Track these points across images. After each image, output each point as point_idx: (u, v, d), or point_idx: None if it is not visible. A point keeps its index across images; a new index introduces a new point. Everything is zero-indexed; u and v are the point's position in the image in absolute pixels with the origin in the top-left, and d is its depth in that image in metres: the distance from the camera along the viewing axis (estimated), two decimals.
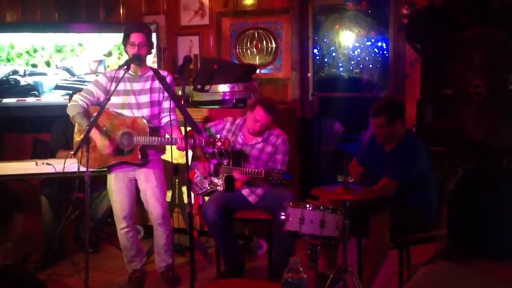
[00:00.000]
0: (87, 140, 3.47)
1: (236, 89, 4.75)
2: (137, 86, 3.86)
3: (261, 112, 4.01)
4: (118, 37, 5.22)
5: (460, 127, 4.38)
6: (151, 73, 3.89)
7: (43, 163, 4.22)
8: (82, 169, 3.59)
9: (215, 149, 3.92)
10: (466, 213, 1.42)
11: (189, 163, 3.63)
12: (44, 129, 4.82)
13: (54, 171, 4.12)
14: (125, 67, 3.72)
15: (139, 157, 3.81)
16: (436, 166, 3.80)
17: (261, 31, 5.70)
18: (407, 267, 3.67)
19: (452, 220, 1.46)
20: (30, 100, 5.22)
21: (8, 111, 5.20)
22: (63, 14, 5.74)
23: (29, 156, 4.75)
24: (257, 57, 5.74)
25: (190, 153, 3.82)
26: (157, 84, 3.87)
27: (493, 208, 1.39)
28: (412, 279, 1.46)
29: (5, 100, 5.17)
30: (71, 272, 4.08)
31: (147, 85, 3.87)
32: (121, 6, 6.11)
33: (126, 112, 3.86)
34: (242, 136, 4.15)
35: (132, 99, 3.85)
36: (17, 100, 5.22)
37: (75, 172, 3.74)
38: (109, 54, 5.30)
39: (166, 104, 3.89)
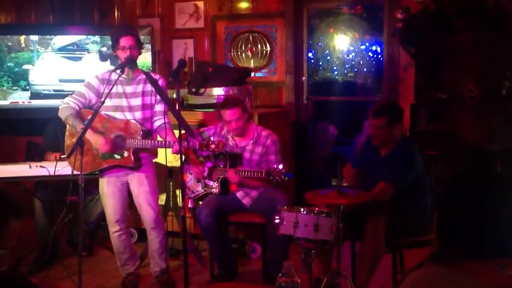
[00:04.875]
0: (81, 143, 3.46)
1: (231, 92, 4.75)
2: (129, 89, 3.86)
3: (225, 112, 4.01)
4: None
5: (454, 131, 4.39)
6: (143, 76, 3.88)
7: (36, 166, 4.21)
8: (76, 172, 3.58)
9: (210, 152, 3.92)
10: (456, 215, 1.43)
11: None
12: (38, 131, 4.81)
13: (47, 174, 4.10)
14: (119, 70, 3.71)
15: (132, 161, 3.80)
16: (429, 170, 3.81)
17: (256, 34, 5.71)
18: (400, 271, 3.67)
19: (442, 222, 1.46)
20: (24, 102, 5.21)
21: (1, 113, 5.18)
22: (57, 16, 5.73)
23: (22, 158, 4.73)
24: (252, 60, 5.75)
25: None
26: (149, 87, 3.86)
27: (484, 209, 1.40)
28: (402, 283, 1.46)
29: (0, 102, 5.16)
30: (64, 275, 4.07)
31: (139, 88, 3.87)
32: (115, 9, 6.11)
33: (119, 115, 3.85)
34: (233, 140, 4.16)
35: (124, 102, 3.84)
36: (11, 102, 5.20)
37: (68, 175, 3.73)
38: None
39: (158, 107, 3.89)
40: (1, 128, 5.31)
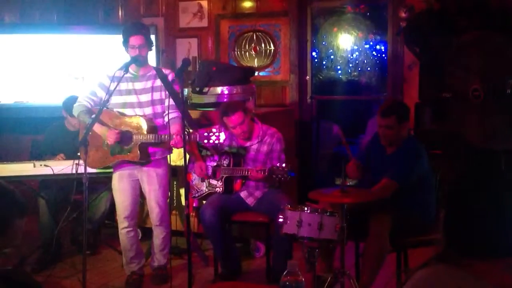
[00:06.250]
0: (85, 142, 3.49)
1: (235, 92, 4.75)
2: (139, 85, 3.88)
3: (228, 119, 4.00)
4: (117, 38, 5.24)
5: (459, 131, 4.38)
6: (153, 72, 3.90)
7: (40, 165, 4.22)
8: (80, 170, 3.61)
9: (211, 144, 3.88)
10: (463, 215, 1.42)
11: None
12: (42, 130, 4.82)
13: (51, 172, 4.12)
14: (124, 69, 3.73)
15: (138, 155, 3.82)
16: (434, 169, 3.80)
17: (260, 33, 5.70)
18: (404, 271, 3.66)
19: (449, 222, 1.45)
20: (28, 101, 5.22)
21: (6, 112, 5.19)
22: (61, 15, 5.74)
23: (27, 157, 4.74)
24: (256, 59, 5.74)
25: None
26: (158, 82, 3.87)
27: (490, 209, 1.39)
28: (408, 282, 1.46)
29: (3, 101, 5.17)
30: (68, 274, 4.08)
31: (149, 84, 3.89)
32: (120, 8, 6.12)
33: (128, 112, 3.88)
34: (237, 141, 4.15)
35: (133, 99, 3.87)
36: (15, 102, 5.21)
37: (73, 174, 3.75)
38: None
39: (167, 102, 3.90)
40: (6, 127, 5.32)
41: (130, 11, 6.12)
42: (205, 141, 3.71)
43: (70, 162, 3.99)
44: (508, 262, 1.38)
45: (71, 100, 4.56)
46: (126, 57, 3.84)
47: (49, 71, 5.25)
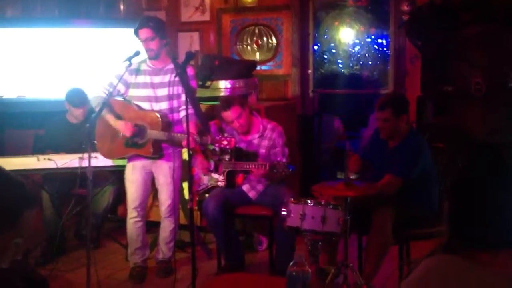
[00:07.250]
0: (89, 137, 3.50)
1: (237, 85, 4.77)
2: (156, 79, 3.91)
3: (224, 114, 4.00)
4: (118, 32, 5.25)
5: (461, 124, 4.39)
6: (171, 65, 3.88)
7: (44, 159, 4.24)
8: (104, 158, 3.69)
9: (221, 148, 3.91)
10: (465, 208, 1.44)
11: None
12: (45, 125, 4.82)
13: (55, 166, 4.13)
14: (128, 62, 3.75)
15: (151, 151, 3.84)
16: (436, 163, 3.81)
17: (262, 27, 5.70)
18: (407, 263, 3.68)
19: (453, 213, 1.47)
20: (31, 95, 5.22)
21: (9, 106, 5.19)
22: (63, 9, 5.74)
23: (29, 152, 4.75)
24: (258, 53, 5.74)
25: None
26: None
27: (494, 200, 1.41)
28: (413, 272, 1.47)
29: (6, 96, 5.17)
30: (72, 267, 4.09)
31: (166, 78, 3.89)
32: (121, 2, 6.11)
33: (146, 105, 3.91)
34: (238, 135, 4.15)
35: (151, 92, 3.90)
36: (18, 96, 5.22)
37: (76, 168, 3.76)
38: None
39: (184, 97, 3.90)
40: (8, 121, 5.32)
41: (131, 5, 6.11)
42: (216, 144, 3.74)
43: (73, 155, 4.00)
44: (510, 253, 1.39)
45: (74, 92, 4.59)
46: (129, 51, 3.85)
47: (51, 65, 5.25)
